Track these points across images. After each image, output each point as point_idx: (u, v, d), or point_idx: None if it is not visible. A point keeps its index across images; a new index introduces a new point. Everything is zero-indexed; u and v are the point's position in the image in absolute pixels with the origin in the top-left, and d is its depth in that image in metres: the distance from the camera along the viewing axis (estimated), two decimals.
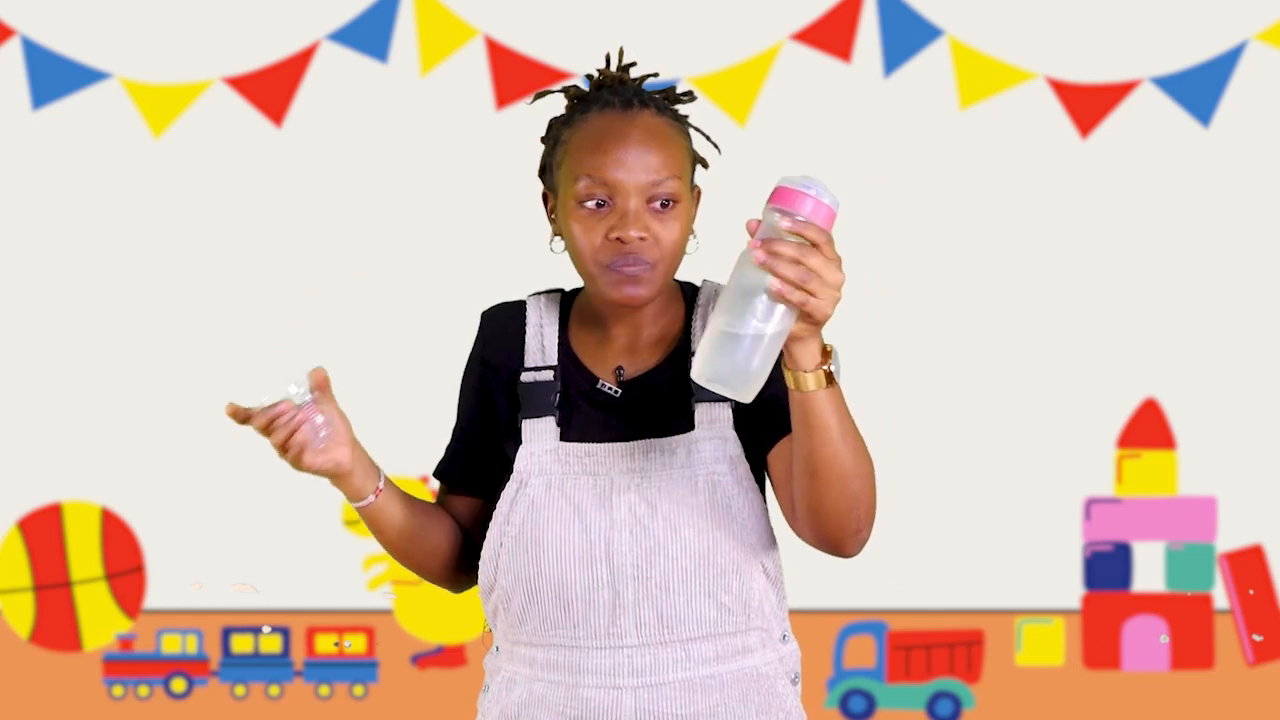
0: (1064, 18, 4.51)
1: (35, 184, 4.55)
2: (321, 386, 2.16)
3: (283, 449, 2.14)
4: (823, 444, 2.04)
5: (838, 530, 2.12)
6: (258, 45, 4.52)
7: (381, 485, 2.23)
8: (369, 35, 4.52)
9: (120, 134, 4.52)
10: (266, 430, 2.13)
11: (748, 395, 1.98)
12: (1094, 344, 4.53)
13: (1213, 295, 4.53)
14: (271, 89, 4.52)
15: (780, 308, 1.95)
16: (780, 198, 1.96)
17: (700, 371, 1.97)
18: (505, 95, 4.49)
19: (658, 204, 2.17)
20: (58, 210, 4.55)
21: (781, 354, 1.99)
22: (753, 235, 1.97)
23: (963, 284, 4.54)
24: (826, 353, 2.01)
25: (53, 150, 4.55)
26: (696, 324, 2.25)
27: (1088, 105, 4.50)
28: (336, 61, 4.52)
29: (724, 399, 2.19)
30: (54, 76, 4.52)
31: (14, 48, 4.52)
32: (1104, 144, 4.51)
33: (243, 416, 2.13)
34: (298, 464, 2.15)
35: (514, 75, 4.46)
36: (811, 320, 1.96)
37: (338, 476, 2.19)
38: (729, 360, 1.96)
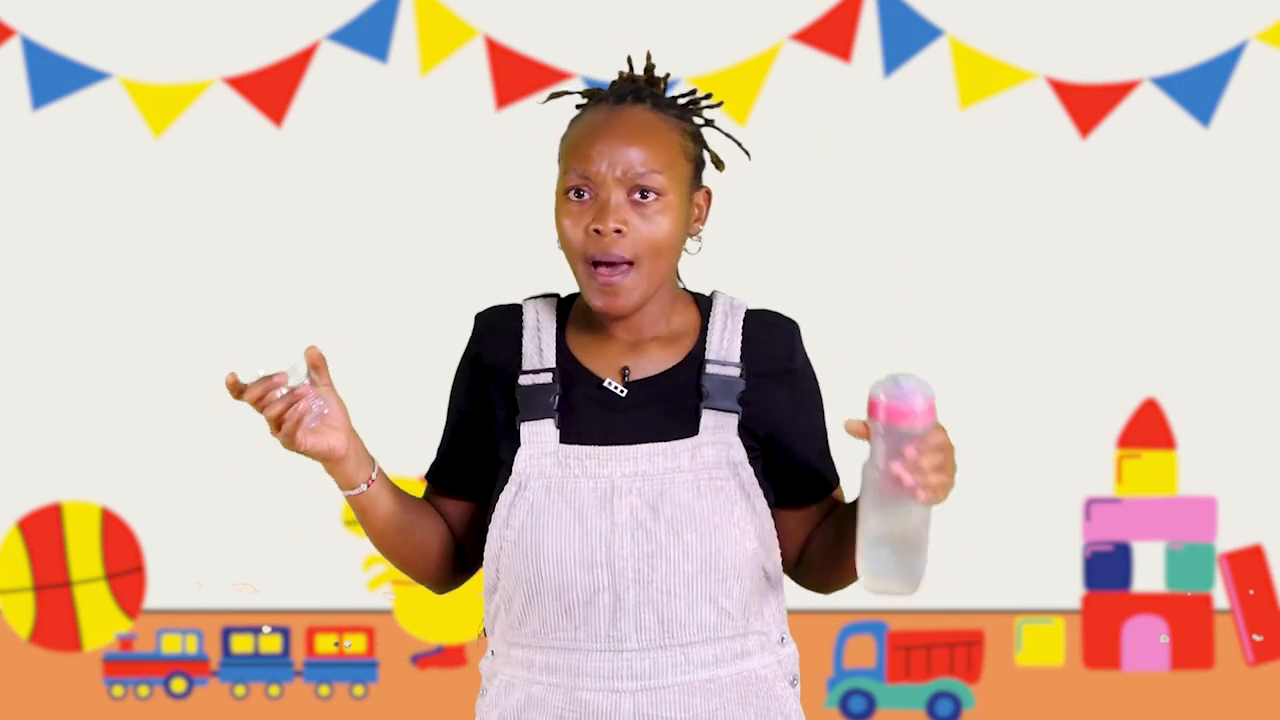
0: (1064, 18, 4.51)
1: (35, 184, 4.55)
2: (316, 364, 2.12)
3: (276, 424, 2.11)
4: None
5: (835, 589, 2.31)
6: (258, 45, 4.51)
7: (374, 476, 2.21)
8: (369, 35, 4.52)
9: (120, 134, 4.52)
10: (260, 404, 2.10)
11: (915, 589, 2.15)
12: (1094, 344, 4.53)
13: (1213, 295, 4.53)
14: (271, 89, 4.52)
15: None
16: (893, 417, 2.03)
17: (875, 582, 2.12)
18: (505, 95, 4.49)
19: (638, 195, 2.16)
20: (58, 210, 4.55)
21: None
22: (864, 436, 2.05)
23: (962, 284, 4.54)
24: None
25: (53, 150, 4.55)
26: (713, 333, 2.23)
27: (1088, 105, 4.50)
28: (336, 61, 4.52)
29: (734, 410, 2.19)
30: (54, 76, 4.52)
31: (14, 48, 4.52)
32: (1104, 144, 4.51)
33: (238, 390, 2.09)
34: (290, 443, 2.12)
35: (514, 75, 4.46)
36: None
37: (330, 461, 2.16)
38: (904, 568, 2.13)
